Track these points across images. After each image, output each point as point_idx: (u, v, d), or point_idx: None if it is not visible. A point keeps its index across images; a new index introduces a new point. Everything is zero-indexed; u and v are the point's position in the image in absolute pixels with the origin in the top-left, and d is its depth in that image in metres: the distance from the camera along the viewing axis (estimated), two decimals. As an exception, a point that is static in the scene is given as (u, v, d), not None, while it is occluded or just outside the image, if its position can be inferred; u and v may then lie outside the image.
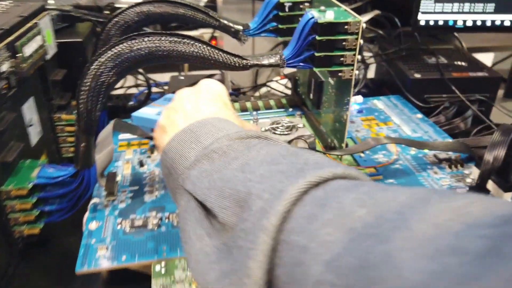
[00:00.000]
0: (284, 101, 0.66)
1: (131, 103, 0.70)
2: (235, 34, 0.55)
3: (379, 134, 0.57)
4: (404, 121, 0.60)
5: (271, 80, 0.77)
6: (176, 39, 0.39)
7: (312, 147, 0.41)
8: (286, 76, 0.78)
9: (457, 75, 0.67)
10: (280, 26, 0.54)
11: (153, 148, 0.53)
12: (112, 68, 0.38)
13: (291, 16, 0.53)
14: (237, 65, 0.41)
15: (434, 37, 0.84)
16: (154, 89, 0.75)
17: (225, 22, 0.54)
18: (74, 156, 0.41)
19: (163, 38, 0.38)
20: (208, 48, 0.40)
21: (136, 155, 0.52)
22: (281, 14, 0.53)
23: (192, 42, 0.40)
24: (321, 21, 0.39)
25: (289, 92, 0.75)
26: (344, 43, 0.41)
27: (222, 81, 0.76)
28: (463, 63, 0.72)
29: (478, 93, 0.67)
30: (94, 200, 0.43)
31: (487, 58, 0.93)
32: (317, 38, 0.40)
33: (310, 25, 0.40)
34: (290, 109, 0.63)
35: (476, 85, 0.67)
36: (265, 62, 0.41)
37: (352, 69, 0.42)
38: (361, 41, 0.41)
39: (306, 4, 0.53)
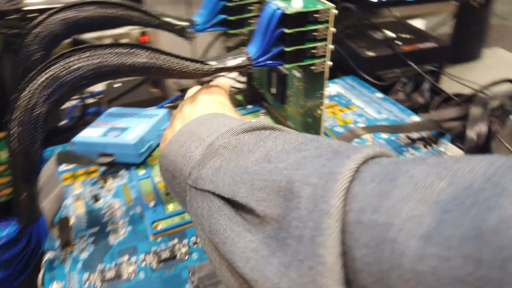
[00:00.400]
0: (239, 97, 0.61)
1: (64, 122, 0.60)
2: (180, 32, 0.48)
3: (346, 120, 0.55)
4: (366, 102, 0.58)
5: (219, 75, 0.71)
6: (122, 50, 0.32)
7: None
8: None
9: (408, 48, 0.67)
10: (229, 18, 0.48)
11: (105, 176, 0.46)
12: (48, 97, 0.30)
13: (241, 6, 0.48)
14: (198, 72, 0.35)
15: (368, 10, 0.83)
16: (88, 101, 0.66)
17: (167, 19, 0.47)
18: (14, 207, 0.33)
19: (107, 51, 0.32)
20: (163, 56, 0.34)
21: (87, 188, 0.44)
22: (229, 4, 0.47)
23: (142, 52, 0.33)
24: (290, 12, 0.35)
25: (240, 86, 0.70)
26: (314, 33, 0.37)
27: (161, 83, 0.69)
28: (409, 35, 0.72)
29: (428, 64, 0.68)
30: (48, 255, 0.36)
31: (419, 25, 0.94)
32: (286, 31, 0.35)
33: (276, 18, 0.35)
34: (249, 106, 0.58)
35: (426, 56, 0.67)
36: (231, 64, 0.36)
37: (325, 61, 0.39)
38: (334, 29, 0.37)
39: (255, -10, 0.48)
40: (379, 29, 0.71)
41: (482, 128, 0.40)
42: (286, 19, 0.35)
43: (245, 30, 0.50)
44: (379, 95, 0.60)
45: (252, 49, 0.37)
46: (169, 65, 0.34)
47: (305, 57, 0.38)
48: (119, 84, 0.67)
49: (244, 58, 0.37)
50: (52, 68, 0.30)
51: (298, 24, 0.36)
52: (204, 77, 0.36)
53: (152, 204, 0.41)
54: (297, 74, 0.46)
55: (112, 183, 0.45)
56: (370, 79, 0.64)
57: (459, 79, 0.69)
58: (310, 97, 0.44)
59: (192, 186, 0.27)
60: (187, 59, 0.35)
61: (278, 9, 0.35)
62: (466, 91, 0.66)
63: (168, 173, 0.30)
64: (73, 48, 0.31)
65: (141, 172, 0.46)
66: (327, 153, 0.22)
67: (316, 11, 0.36)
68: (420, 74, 0.65)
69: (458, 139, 0.46)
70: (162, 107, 0.60)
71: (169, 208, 0.41)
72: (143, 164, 0.47)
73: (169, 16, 0.48)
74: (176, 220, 0.39)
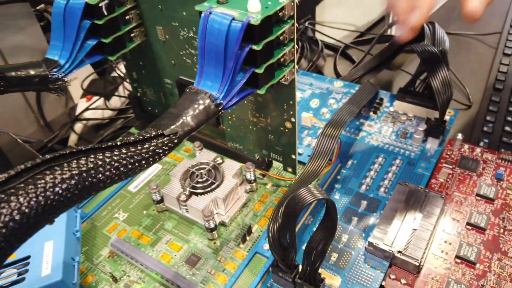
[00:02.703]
0: (136, 131, 0.46)
1: None
2: (42, 84, 0.31)
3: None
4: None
5: (87, 109, 0.52)
6: (33, 179, 0.18)
7: (330, 199, 0.27)
8: (94, 93, 0.55)
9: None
10: (104, 40, 0.33)
11: None
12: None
13: (114, 20, 0.34)
14: (166, 148, 0.22)
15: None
16: None
17: (16, 73, 0.30)
18: None
19: (11, 197, 0.17)
20: (102, 155, 0.20)
21: None
22: (98, 22, 0.32)
23: (67, 165, 0.19)
24: (255, 22, 0.24)
25: (109, 113, 0.54)
26: (281, 37, 0.27)
27: (13, 143, 0.48)
28: None
29: (301, 19, 0.64)
30: None
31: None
32: (255, 48, 0.25)
33: (238, 33, 0.24)
34: (161, 140, 0.44)
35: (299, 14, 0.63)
36: (198, 119, 0.24)
37: (294, 66, 0.29)
38: (297, 25, 0.28)
39: (127, -8, 0.34)
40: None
41: (444, 74, 0.37)
42: (253, 31, 0.24)
43: (128, 50, 0.36)
44: (284, 69, 0.54)
45: (209, 85, 0.25)
46: (120, 163, 0.20)
47: (275, 71, 0.28)
48: None
49: (208, 103, 0.25)
50: None
51: (266, 33, 0.25)
52: (172, 150, 0.23)
53: None
54: (236, 87, 0.35)
55: None
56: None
57: (328, 23, 0.67)
58: (269, 111, 0.34)
59: None
60: (137, 142, 0.21)
61: (234, 19, 0.24)
62: (337, 33, 0.65)
63: None
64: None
65: (88, 308, 0.30)
66: None
67: (282, 9, 0.26)
68: (304, 33, 0.60)
69: (406, 94, 0.43)
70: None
71: None
72: (80, 294, 0.31)
73: (14, 68, 0.30)
74: None
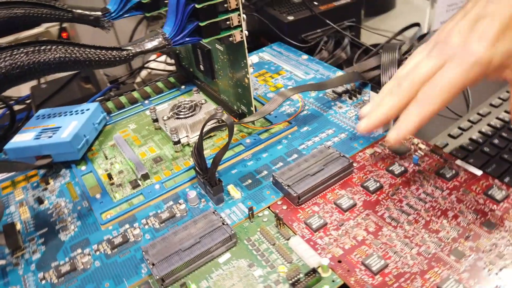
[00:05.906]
0: (172, 80, 0.61)
1: (-7, 132, 0.58)
2: (95, 22, 0.48)
3: (277, 86, 0.57)
4: (294, 66, 0.61)
5: (149, 61, 0.70)
6: (33, 48, 0.32)
7: (229, 123, 0.38)
8: (163, 52, 0.73)
9: (325, 8, 0.69)
10: (143, 1, 0.48)
11: (46, 178, 0.45)
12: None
13: (152, -13, 0.48)
14: (117, 59, 0.36)
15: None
16: (15, 107, 0.63)
17: (80, 11, 0.47)
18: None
19: (16, 52, 0.31)
20: (77, 48, 0.34)
21: (29, 192, 0.44)
22: None
23: (55, 47, 0.33)
24: (197, -13, 0.36)
25: (172, 68, 0.70)
26: (225, 5, 0.38)
27: (92, 77, 0.68)
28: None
29: (345, 20, 0.71)
30: (0, 263, 0.36)
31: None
32: (197, 6, 0.36)
33: (185, -6, 0.36)
34: (183, 87, 0.59)
35: (342, 13, 0.71)
36: (149, 46, 0.37)
37: (241, 30, 0.40)
38: (242, -1, 0.39)
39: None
40: (297, -7, 0.73)
41: (393, 70, 0.43)
42: (196, -6, 0.36)
43: (162, 11, 0.50)
44: (305, 56, 0.63)
45: (167, 29, 0.38)
46: (86, 56, 0.34)
47: (221, 29, 0.39)
48: (45, 85, 0.65)
49: (161, 39, 0.37)
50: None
51: (208, -2, 0.37)
52: (125, 62, 0.36)
53: (98, 196, 0.41)
54: (220, 47, 0.47)
55: (55, 184, 0.44)
56: (295, 43, 0.66)
57: (375, 30, 0.73)
58: (236, 68, 0.45)
59: None
60: (103, 48, 0.35)
61: (185, -16, 0.36)
62: (383, 40, 0.70)
63: None
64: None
65: (82, 167, 0.46)
66: None
67: (223, -17, 0.37)
68: (339, 31, 0.68)
69: (377, 85, 0.49)
70: (93, 101, 0.59)
71: (116, 197, 0.41)
72: (83, 159, 0.47)
73: (80, 8, 0.47)
74: (124, 207, 0.40)
